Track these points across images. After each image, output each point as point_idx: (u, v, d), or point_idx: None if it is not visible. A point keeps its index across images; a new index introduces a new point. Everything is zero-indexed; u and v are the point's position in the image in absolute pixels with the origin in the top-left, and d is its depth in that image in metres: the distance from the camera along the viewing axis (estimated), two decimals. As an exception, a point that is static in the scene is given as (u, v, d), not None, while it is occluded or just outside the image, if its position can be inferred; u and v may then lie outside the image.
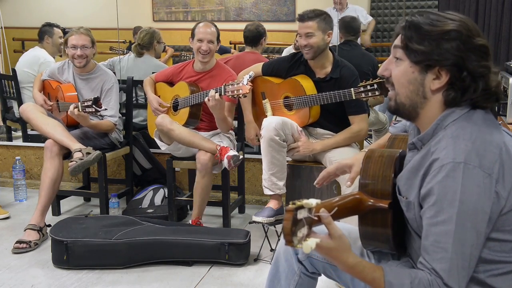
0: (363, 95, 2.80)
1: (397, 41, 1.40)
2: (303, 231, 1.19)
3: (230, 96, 3.04)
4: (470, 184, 1.24)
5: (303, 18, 3.02)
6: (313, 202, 1.21)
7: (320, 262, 1.66)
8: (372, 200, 1.48)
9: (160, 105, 3.47)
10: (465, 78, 1.32)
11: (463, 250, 1.25)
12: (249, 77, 2.97)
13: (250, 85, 2.97)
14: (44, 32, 4.71)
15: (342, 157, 2.89)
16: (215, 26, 3.38)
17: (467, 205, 1.24)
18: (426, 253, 1.29)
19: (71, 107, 3.29)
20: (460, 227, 1.24)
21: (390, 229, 1.47)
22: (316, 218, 1.23)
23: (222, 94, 3.06)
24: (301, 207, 1.19)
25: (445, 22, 1.33)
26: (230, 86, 3.02)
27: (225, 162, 3.08)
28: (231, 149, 3.14)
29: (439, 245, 1.26)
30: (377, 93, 2.74)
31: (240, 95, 2.99)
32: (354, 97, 2.83)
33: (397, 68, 1.41)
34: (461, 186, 1.24)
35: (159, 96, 3.54)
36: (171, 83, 3.54)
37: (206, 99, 3.11)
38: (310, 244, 1.17)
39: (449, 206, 1.25)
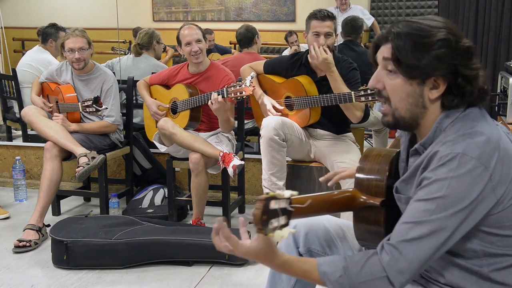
0: (363, 99, 2.80)
1: (386, 53, 1.37)
2: (281, 221, 1.23)
3: (233, 98, 3.02)
4: (463, 171, 1.25)
5: (324, 17, 2.95)
6: (286, 193, 1.26)
7: (320, 256, 1.66)
8: (364, 197, 1.49)
9: (159, 108, 3.46)
10: (461, 83, 1.32)
11: (437, 232, 1.25)
12: (251, 78, 2.96)
13: (253, 86, 2.96)
14: (49, 34, 4.63)
15: (348, 161, 2.89)
16: (197, 25, 3.37)
17: (455, 190, 1.24)
18: (397, 224, 1.30)
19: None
20: (440, 209, 1.25)
21: (383, 228, 1.47)
22: (292, 209, 1.27)
23: (225, 96, 3.05)
24: (274, 197, 1.23)
25: (431, 32, 1.31)
26: (232, 88, 3.00)
27: (230, 171, 3.05)
28: (234, 155, 3.11)
29: (413, 218, 1.27)
30: (377, 97, 2.74)
31: (243, 97, 2.98)
32: (354, 101, 2.83)
33: (391, 82, 1.38)
34: (453, 173, 1.25)
35: (155, 99, 3.53)
36: (166, 86, 3.52)
37: (209, 103, 3.10)
38: (282, 233, 1.22)
39: (436, 189, 1.26)
